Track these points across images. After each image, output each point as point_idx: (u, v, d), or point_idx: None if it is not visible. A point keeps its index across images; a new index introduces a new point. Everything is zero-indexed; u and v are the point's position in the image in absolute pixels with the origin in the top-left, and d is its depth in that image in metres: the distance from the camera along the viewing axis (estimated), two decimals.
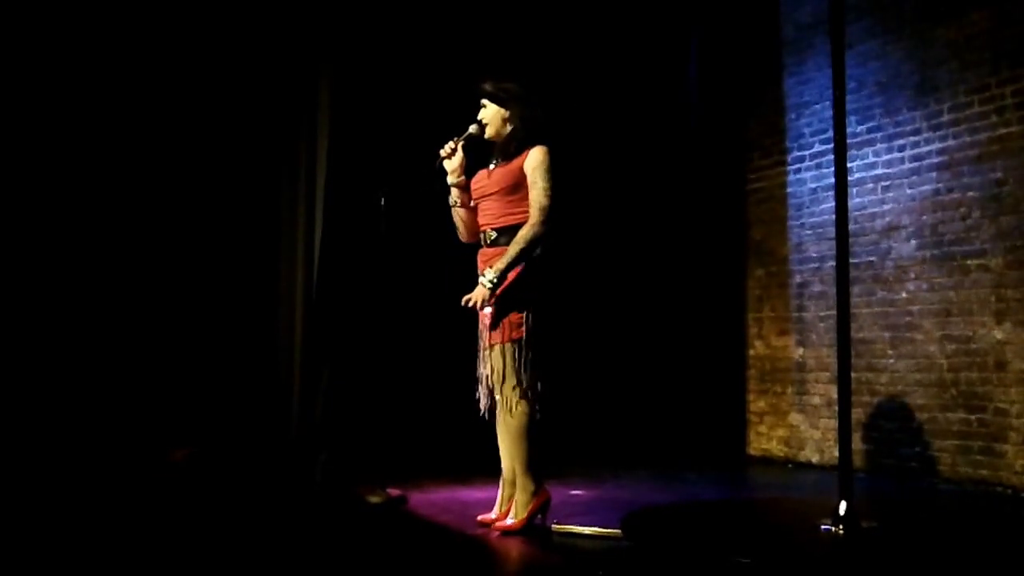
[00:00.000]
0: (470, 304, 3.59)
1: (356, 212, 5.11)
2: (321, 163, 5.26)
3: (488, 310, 3.63)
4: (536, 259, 3.63)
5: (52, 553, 3.25)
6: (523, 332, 3.60)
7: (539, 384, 3.62)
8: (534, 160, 3.64)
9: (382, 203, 4.05)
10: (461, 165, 3.82)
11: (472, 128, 3.79)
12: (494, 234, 3.69)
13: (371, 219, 4.15)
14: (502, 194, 3.68)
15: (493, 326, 3.63)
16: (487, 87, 3.79)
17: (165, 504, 4.18)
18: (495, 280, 3.55)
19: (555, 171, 3.64)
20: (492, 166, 3.76)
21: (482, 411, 3.73)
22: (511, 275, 3.59)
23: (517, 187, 3.66)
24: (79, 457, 4.67)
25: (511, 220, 3.66)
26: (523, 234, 3.57)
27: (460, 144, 3.79)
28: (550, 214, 3.59)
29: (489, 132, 3.78)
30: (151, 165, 5.08)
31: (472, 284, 3.63)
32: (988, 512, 4.41)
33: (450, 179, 3.83)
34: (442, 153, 3.78)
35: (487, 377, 3.69)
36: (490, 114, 3.78)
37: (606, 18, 6.27)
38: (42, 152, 4.83)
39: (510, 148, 3.72)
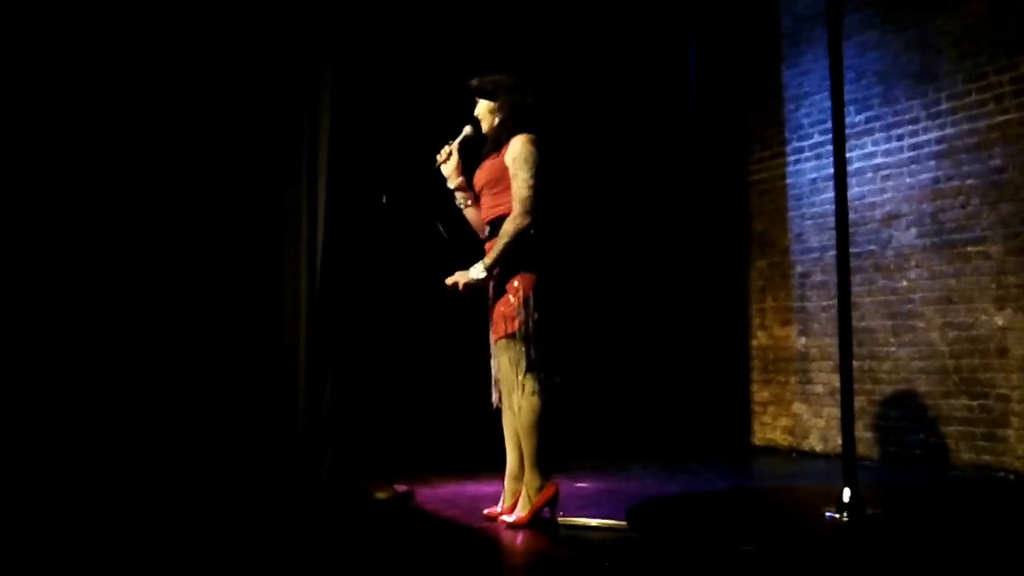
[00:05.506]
0: (453, 285, 3.60)
1: (359, 208, 5.13)
2: (324, 161, 5.28)
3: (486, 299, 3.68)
4: (529, 253, 3.58)
5: (63, 548, 3.28)
6: (516, 326, 3.57)
7: (544, 378, 3.60)
8: (513, 151, 3.59)
9: (384, 199, 4.06)
10: (457, 168, 3.82)
11: (466, 130, 3.79)
12: (488, 227, 3.72)
13: (374, 215, 4.16)
14: (489, 187, 3.68)
15: (493, 321, 3.66)
16: (473, 82, 3.76)
17: (172, 501, 4.21)
18: (479, 277, 3.57)
19: (539, 160, 3.56)
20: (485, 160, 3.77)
21: (493, 405, 3.76)
22: (497, 272, 3.60)
23: (500, 179, 3.63)
24: (87, 453, 4.70)
25: (498, 212, 3.64)
26: (505, 228, 3.55)
27: (455, 147, 3.80)
28: (531, 205, 3.53)
29: (484, 128, 3.77)
30: (158, 163, 5.11)
31: None
32: (992, 498, 4.43)
33: (449, 184, 3.84)
34: (439, 159, 3.80)
35: (494, 372, 3.72)
36: (482, 110, 3.76)
37: (606, 11, 6.28)
38: (47, 149, 4.85)
39: (500, 139, 3.70)
